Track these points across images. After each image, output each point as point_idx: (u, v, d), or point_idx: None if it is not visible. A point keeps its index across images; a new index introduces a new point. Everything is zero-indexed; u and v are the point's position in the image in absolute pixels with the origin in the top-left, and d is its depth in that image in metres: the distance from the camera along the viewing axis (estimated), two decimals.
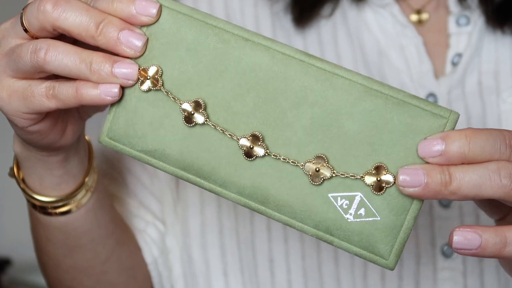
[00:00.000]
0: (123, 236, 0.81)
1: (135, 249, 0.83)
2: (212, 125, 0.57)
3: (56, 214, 0.73)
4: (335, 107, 0.56)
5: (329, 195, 0.56)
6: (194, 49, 0.58)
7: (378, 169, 0.55)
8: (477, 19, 0.80)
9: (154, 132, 0.59)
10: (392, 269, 0.56)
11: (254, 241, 0.82)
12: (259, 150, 0.57)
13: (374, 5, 0.82)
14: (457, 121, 0.55)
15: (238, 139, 0.57)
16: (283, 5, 0.83)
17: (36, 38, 0.59)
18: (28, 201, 0.73)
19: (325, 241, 0.57)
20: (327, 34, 0.82)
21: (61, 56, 0.57)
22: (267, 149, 0.57)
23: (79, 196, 0.72)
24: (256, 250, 0.81)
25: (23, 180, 0.72)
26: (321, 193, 0.57)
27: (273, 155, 0.57)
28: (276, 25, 0.83)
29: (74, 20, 0.57)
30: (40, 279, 1.07)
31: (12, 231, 1.86)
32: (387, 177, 0.55)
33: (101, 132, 0.60)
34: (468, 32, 0.80)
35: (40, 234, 0.77)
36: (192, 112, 0.57)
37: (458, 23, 0.81)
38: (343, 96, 0.56)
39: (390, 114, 0.55)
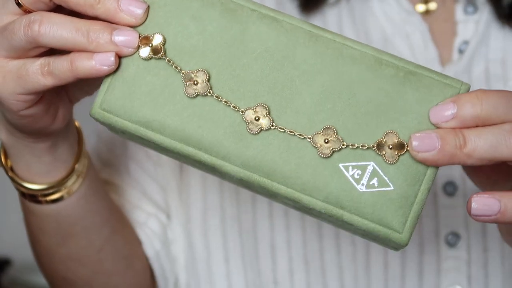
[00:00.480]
0: (119, 224, 0.80)
1: (132, 238, 0.82)
2: (216, 96, 0.56)
3: (46, 202, 0.71)
4: (346, 76, 0.55)
5: (340, 165, 0.54)
6: (199, 17, 0.56)
7: (390, 137, 0.54)
8: (484, 7, 0.80)
9: (153, 101, 0.56)
10: (405, 245, 0.54)
11: (256, 228, 0.81)
12: (265, 123, 0.55)
13: None
14: (468, 91, 0.54)
15: (243, 111, 0.55)
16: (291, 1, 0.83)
17: (30, 12, 0.57)
18: (18, 189, 0.71)
19: (334, 215, 0.54)
20: (332, 21, 0.82)
21: (55, 28, 0.56)
22: (273, 122, 0.55)
23: (69, 182, 0.70)
24: (257, 237, 0.81)
25: (11, 169, 0.70)
26: (331, 163, 0.55)
27: (280, 128, 0.55)
28: (281, 11, 0.83)
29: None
30: (40, 279, 1.06)
31: (12, 231, 1.85)
32: (399, 144, 0.54)
33: (93, 104, 0.58)
34: (475, 20, 0.80)
35: (32, 224, 0.75)
36: (195, 82, 0.56)
37: (465, 11, 0.80)
38: (354, 65, 0.55)
39: (402, 83, 0.54)
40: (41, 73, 0.57)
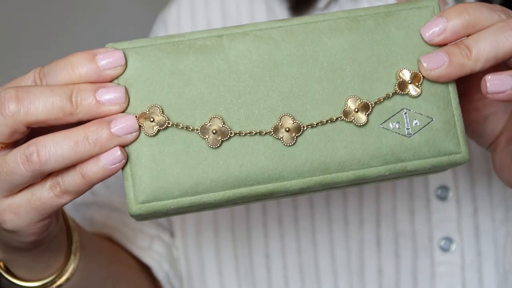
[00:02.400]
0: (119, 271, 0.78)
1: (134, 277, 0.80)
2: (238, 133, 0.54)
3: None
4: (336, 47, 0.56)
5: (379, 126, 0.56)
6: (177, 70, 0.54)
7: (403, 75, 0.56)
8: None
9: (184, 168, 0.54)
10: (467, 161, 0.57)
11: (250, 238, 0.81)
12: (295, 129, 0.55)
13: None
14: (439, 5, 0.58)
15: (271, 132, 0.55)
16: (281, 6, 0.83)
17: (6, 146, 0.54)
18: None
19: (399, 171, 0.56)
20: None
21: (53, 149, 0.52)
22: (302, 124, 0.55)
23: (69, 265, 0.65)
24: (252, 247, 0.81)
25: (6, 269, 0.64)
26: (372, 129, 0.56)
27: (310, 126, 0.55)
28: (271, 19, 0.83)
29: (45, 106, 0.51)
30: None
31: None
32: (414, 75, 0.56)
33: (128, 203, 0.54)
34: None
35: None
36: (214, 131, 0.54)
37: None
38: (336, 34, 0.56)
39: (385, 27, 0.56)
40: (55, 196, 0.53)
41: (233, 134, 0.54)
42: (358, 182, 0.57)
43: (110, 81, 0.54)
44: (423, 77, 0.56)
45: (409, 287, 0.78)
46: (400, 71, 0.56)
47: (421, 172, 0.57)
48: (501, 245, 0.78)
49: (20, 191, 0.54)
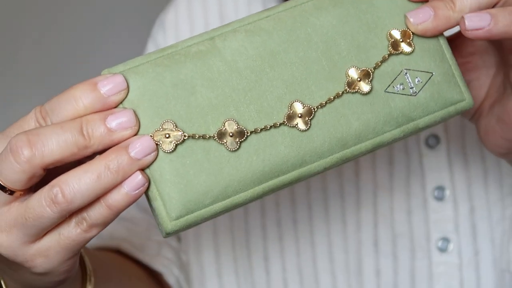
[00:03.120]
0: (129, 286, 0.78)
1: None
2: (253, 131, 0.55)
3: None
4: (326, 25, 0.57)
5: (385, 91, 0.57)
6: (179, 81, 0.54)
7: (393, 35, 0.58)
8: None
9: (210, 175, 0.54)
10: (473, 105, 0.59)
11: (249, 240, 0.81)
12: (307, 113, 0.56)
13: None
14: None
15: (285, 122, 0.55)
16: (276, 2, 0.83)
17: (24, 193, 0.53)
18: None
19: (412, 131, 0.58)
20: None
21: (78, 186, 0.50)
22: (312, 107, 0.56)
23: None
24: (250, 249, 0.81)
25: None
26: (378, 96, 0.57)
27: (320, 106, 0.56)
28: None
29: (59, 145, 0.51)
30: None
31: None
32: (403, 33, 0.58)
33: (160, 224, 0.53)
34: None
35: None
36: (231, 134, 0.54)
37: None
38: (322, 12, 0.57)
39: None
40: (83, 231, 0.53)
41: (249, 133, 0.54)
42: (376, 149, 0.58)
43: (116, 107, 0.53)
44: (413, 33, 0.57)
45: None
46: (390, 31, 0.57)
47: (432, 126, 0.59)
48: (498, 244, 0.78)
49: (45, 234, 0.53)
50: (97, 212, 0.52)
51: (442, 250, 0.78)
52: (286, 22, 0.56)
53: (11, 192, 0.52)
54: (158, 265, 0.81)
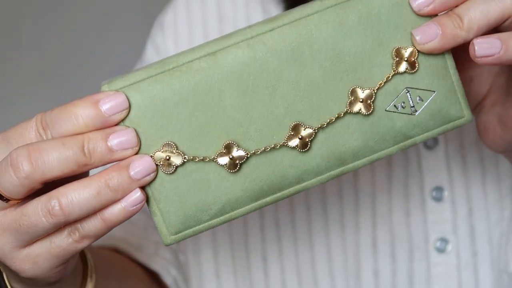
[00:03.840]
0: (129, 285, 0.78)
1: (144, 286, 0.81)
2: (254, 153, 0.55)
3: None
4: (330, 40, 0.55)
5: (386, 110, 0.56)
6: (179, 99, 0.53)
7: (398, 54, 0.56)
8: None
9: (209, 194, 0.55)
10: (471, 121, 0.58)
11: (247, 241, 0.81)
12: (308, 134, 0.55)
13: None
14: None
15: (285, 143, 0.55)
16: (275, 3, 0.83)
17: (20, 201, 0.53)
18: None
19: (409, 146, 0.57)
20: None
21: (76, 199, 0.51)
22: (313, 128, 0.55)
23: (88, 286, 0.65)
24: (249, 250, 0.81)
25: None
26: (379, 115, 0.56)
27: (320, 127, 0.55)
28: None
29: (59, 162, 0.50)
30: None
31: None
32: (408, 51, 0.56)
33: (161, 236, 0.55)
34: None
35: None
36: (231, 157, 0.54)
37: None
38: (327, 27, 0.55)
39: (374, 10, 0.56)
40: (74, 241, 0.53)
41: (249, 155, 0.55)
42: (372, 163, 0.58)
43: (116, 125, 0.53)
44: (418, 51, 0.56)
45: None
46: (395, 50, 0.56)
47: (432, 137, 0.59)
48: (496, 245, 0.78)
49: (37, 240, 0.53)
50: (92, 225, 0.52)
51: (440, 251, 0.78)
52: (290, 38, 0.55)
53: (7, 200, 0.52)
54: (155, 265, 0.82)
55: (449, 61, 0.57)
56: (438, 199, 0.78)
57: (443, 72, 0.57)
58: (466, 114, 0.58)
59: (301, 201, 0.80)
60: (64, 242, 0.53)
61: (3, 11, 1.96)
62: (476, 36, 0.54)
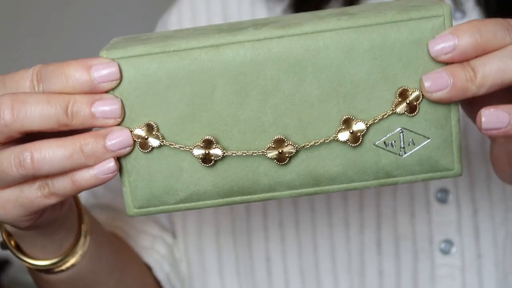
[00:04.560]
0: (126, 264, 0.79)
1: (141, 272, 0.81)
2: (232, 153, 0.55)
3: (62, 271, 0.68)
4: (336, 62, 0.54)
5: (374, 145, 0.55)
6: (171, 83, 0.53)
7: (402, 94, 0.54)
8: (472, 13, 0.80)
9: (178, 180, 0.55)
10: (460, 175, 0.56)
11: (251, 241, 0.81)
12: (289, 150, 0.54)
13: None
14: (451, 13, 0.54)
15: (264, 152, 0.55)
16: (282, 7, 0.83)
17: (1, 144, 0.54)
18: (29, 267, 0.67)
19: (390, 184, 0.56)
20: None
21: (49, 157, 0.52)
22: (296, 145, 0.54)
23: (80, 245, 0.68)
24: (252, 250, 0.81)
25: (17, 246, 0.66)
26: (366, 147, 0.55)
27: (304, 146, 0.55)
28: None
29: (41, 116, 0.52)
30: None
31: None
32: (414, 95, 0.54)
33: (126, 205, 0.56)
34: None
35: None
36: (207, 152, 0.54)
37: (453, 17, 0.80)
38: (337, 48, 0.54)
39: (389, 42, 0.54)
40: (43, 196, 0.54)
41: (226, 155, 0.55)
42: (348, 190, 0.57)
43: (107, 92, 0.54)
44: (423, 96, 0.54)
45: None
46: (400, 89, 0.54)
47: (415, 181, 0.57)
48: (500, 246, 0.78)
49: (9, 186, 0.55)
50: (61, 184, 0.54)
51: (445, 252, 0.78)
52: (297, 50, 0.54)
53: None
54: (149, 258, 0.81)
55: (454, 111, 0.55)
56: (443, 200, 0.78)
57: (443, 122, 0.55)
58: (457, 168, 0.56)
59: (305, 201, 0.80)
60: (32, 194, 0.54)
61: (3, 11, 1.96)
62: (487, 92, 0.53)
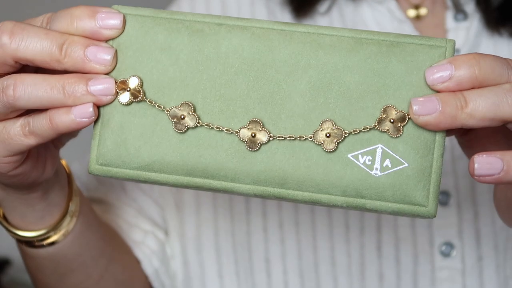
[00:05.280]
0: (115, 252, 0.79)
1: (130, 262, 0.81)
2: (206, 125, 0.55)
3: (43, 246, 0.69)
4: (330, 65, 0.54)
5: (349, 155, 0.54)
6: (168, 47, 0.55)
7: (388, 112, 0.53)
8: (474, 15, 0.80)
9: (147, 143, 0.55)
10: (433, 216, 0.53)
11: (250, 242, 0.81)
12: (262, 137, 0.54)
13: (371, 0, 0.81)
14: (454, 48, 0.53)
15: (237, 132, 0.54)
16: (280, 2, 0.83)
17: None
18: (13, 237, 0.69)
19: (356, 206, 0.54)
20: None
21: (30, 89, 0.54)
22: (270, 133, 0.54)
23: (64, 224, 0.69)
24: (252, 251, 0.81)
25: (3, 217, 0.68)
26: (340, 156, 0.54)
27: (278, 137, 0.54)
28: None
29: (35, 46, 0.54)
30: None
31: None
32: (399, 115, 0.53)
33: (89, 161, 0.57)
34: (465, 27, 0.79)
35: (29, 264, 0.74)
36: (182, 117, 0.55)
37: (455, 18, 0.80)
38: (334, 52, 0.54)
39: (387, 57, 0.54)
40: (23, 134, 0.56)
41: (200, 124, 0.55)
42: (313, 203, 0.55)
43: (105, 41, 0.56)
44: (409, 118, 0.53)
45: None
46: (387, 107, 0.53)
47: (380, 212, 0.55)
48: (501, 250, 0.77)
49: None
50: (40, 123, 0.55)
51: (445, 255, 0.78)
52: (294, 44, 0.55)
53: None
54: (139, 252, 0.81)
55: (438, 144, 0.53)
56: (444, 203, 0.78)
57: (426, 150, 0.53)
58: (430, 206, 0.53)
59: None
60: (13, 131, 0.56)
61: (3, 11, 1.96)
62: (477, 126, 0.51)
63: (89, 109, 0.54)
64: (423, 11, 0.81)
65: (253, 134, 0.54)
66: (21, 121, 0.56)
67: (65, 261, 0.72)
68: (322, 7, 0.82)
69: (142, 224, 0.83)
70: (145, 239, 0.82)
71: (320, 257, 0.79)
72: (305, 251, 0.80)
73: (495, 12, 0.79)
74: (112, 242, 0.79)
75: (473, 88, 0.52)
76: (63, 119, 0.54)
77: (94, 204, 0.82)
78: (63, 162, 0.71)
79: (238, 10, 0.85)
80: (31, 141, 0.56)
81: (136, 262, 0.82)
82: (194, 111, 0.55)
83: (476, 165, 0.52)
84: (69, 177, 0.70)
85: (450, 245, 0.77)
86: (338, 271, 0.79)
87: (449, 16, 0.80)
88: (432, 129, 0.53)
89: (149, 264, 0.82)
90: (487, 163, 0.52)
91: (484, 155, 0.52)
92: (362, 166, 0.54)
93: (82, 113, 0.54)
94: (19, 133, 0.56)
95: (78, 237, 0.71)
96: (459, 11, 0.80)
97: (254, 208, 0.81)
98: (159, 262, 0.82)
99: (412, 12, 0.81)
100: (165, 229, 0.85)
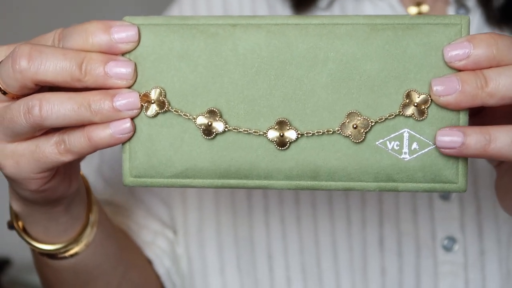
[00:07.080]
0: (132, 258, 0.79)
1: (145, 267, 0.81)
2: (234, 129, 0.55)
3: (65, 257, 0.69)
4: (349, 55, 0.54)
5: (377, 143, 0.55)
6: (185, 54, 0.55)
7: (411, 96, 0.54)
8: (476, 10, 0.80)
9: (178, 152, 0.56)
10: (464, 191, 0.55)
11: (252, 237, 0.81)
12: (290, 135, 0.55)
13: None
14: (469, 24, 0.54)
15: (265, 133, 0.55)
16: (283, 4, 0.83)
17: (18, 97, 0.55)
18: (33, 250, 0.68)
19: (389, 190, 0.55)
20: None
21: (57, 108, 0.53)
22: (298, 131, 0.55)
23: (85, 235, 0.69)
24: (254, 246, 0.81)
25: (24, 229, 0.67)
26: (368, 145, 0.55)
27: (306, 133, 0.55)
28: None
29: (55, 69, 0.53)
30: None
31: (12, 231, 1.85)
32: (422, 98, 0.54)
33: (123, 174, 0.57)
34: None
35: (48, 276, 0.73)
36: (209, 123, 0.55)
37: (457, 13, 0.80)
38: (351, 41, 0.54)
39: (404, 41, 0.54)
40: (58, 153, 0.55)
41: (227, 129, 0.55)
42: (346, 190, 0.56)
43: (122, 55, 0.55)
44: (432, 100, 0.53)
45: (412, 287, 0.78)
46: (409, 91, 0.54)
47: (416, 191, 0.56)
48: (504, 244, 0.77)
49: (26, 140, 0.56)
50: (77, 141, 0.55)
51: (448, 249, 0.78)
52: (311, 38, 0.54)
53: (5, 93, 0.55)
54: (150, 252, 0.81)
55: (463, 120, 0.54)
56: (446, 197, 0.78)
57: None
58: (460, 182, 0.55)
59: (307, 197, 0.80)
60: (48, 150, 0.55)
61: (3, 10, 1.95)
62: (497, 104, 0.52)
63: (127, 124, 0.54)
64: (424, 8, 0.81)
65: (281, 134, 0.55)
66: (55, 138, 0.56)
67: (86, 271, 0.71)
68: (323, 3, 0.82)
69: (151, 224, 0.83)
70: (155, 239, 0.82)
71: (322, 252, 0.79)
72: (307, 246, 0.80)
73: (496, 10, 0.79)
74: (127, 247, 0.79)
75: (490, 67, 0.52)
76: (102, 136, 0.54)
77: (103, 206, 0.82)
78: (81, 172, 0.70)
79: (240, 7, 0.85)
80: (67, 158, 0.56)
81: (149, 266, 0.81)
82: (221, 116, 0.55)
83: (438, 137, 0.53)
84: (87, 187, 0.70)
85: (452, 239, 0.78)
86: (340, 266, 0.79)
87: (451, 11, 0.80)
88: (453, 109, 0.53)
89: (161, 264, 0.82)
90: (449, 135, 0.53)
91: (447, 128, 0.53)
92: (391, 151, 0.55)
93: (120, 129, 0.54)
94: (55, 152, 0.55)
95: (98, 247, 0.70)
96: (461, 6, 0.80)
97: (256, 203, 0.81)
98: (170, 262, 0.82)
99: (413, 9, 0.81)
100: (173, 228, 0.85)
